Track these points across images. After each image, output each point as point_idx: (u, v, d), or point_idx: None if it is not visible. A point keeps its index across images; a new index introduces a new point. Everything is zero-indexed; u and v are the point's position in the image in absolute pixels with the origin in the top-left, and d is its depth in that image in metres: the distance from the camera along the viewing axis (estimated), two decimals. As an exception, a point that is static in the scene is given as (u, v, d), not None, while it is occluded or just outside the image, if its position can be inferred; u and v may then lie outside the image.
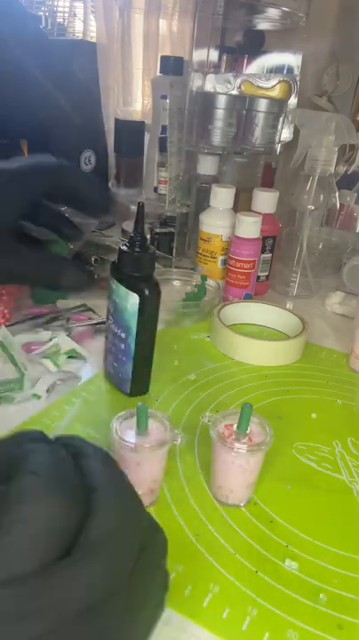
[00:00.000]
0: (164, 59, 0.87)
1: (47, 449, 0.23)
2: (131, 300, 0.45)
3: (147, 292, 0.44)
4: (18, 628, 0.18)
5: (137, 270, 0.45)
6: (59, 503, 0.21)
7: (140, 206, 0.44)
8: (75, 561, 0.20)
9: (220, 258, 0.74)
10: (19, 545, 0.19)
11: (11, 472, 0.22)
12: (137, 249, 0.44)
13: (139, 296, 0.44)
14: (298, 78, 0.79)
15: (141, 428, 0.36)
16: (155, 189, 0.90)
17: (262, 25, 0.85)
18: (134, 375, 0.48)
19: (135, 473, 0.35)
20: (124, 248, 0.45)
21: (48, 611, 0.19)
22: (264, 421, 0.38)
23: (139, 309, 0.45)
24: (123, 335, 0.46)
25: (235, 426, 0.37)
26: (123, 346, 0.47)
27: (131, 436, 0.36)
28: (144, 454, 0.35)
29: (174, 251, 0.82)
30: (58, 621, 0.19)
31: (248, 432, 0.37)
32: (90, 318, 0.63)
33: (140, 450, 0.35)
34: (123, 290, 0.45)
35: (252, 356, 0.58)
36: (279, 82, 0.76)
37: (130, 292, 0.44)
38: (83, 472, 0.23)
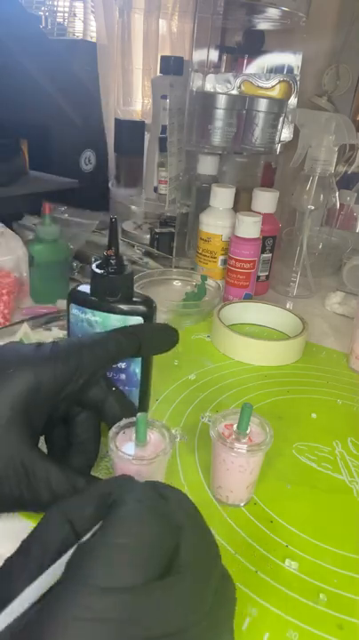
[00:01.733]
0: (164, 59, 0.87)
1: (143, 485, 0.26)
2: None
3: (148, 310, 0.41)
4: (113, 631, 0.19)
5: (127, 292, 0.40)
6: (160, 529, 0.23)
7: (113, 222, 0.38)
8: (170, 585, 0.21)
9: (220, 258, 0.74)
10: (126, 560, 0.21)
11: (113, 502, 0.24)
12: (113, 269, 0.39)
13: (144, 317, 0.40)
14: (298, 78, 0.79)
15: (140, 439, 0.34)
16: (155, 189, 0.90)
17: (262, 25, 0.85)
18: (142, 399, 0.44)
19: None
20: (102, 272, 0.39)
21: (141, 624, 0.20)
22: (264, 421, 0.38)
23: None
24: (122, 365, 0.42)
25: (235, 426, 0.37)
26: (123, 376, 0.43)
27: (129, 447, 0.35)
28: (143, 466, 0.34)
29: (174, 251, 0.82)
30: (146, 638, 0.20)
31: (248, 432, 0.37)
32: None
33: (139, 462, 0.34)
34: (116, 318, 0.40)
35: (252, 356, 0.58)
36: (279, 82, 0.76)
37: (130, 318, 0.40)
38: (169, 511, 0.25)
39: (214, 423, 0.37)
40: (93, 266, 0.40)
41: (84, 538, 0.24)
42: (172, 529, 0.24)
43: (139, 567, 0.21)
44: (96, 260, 0.40)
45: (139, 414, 0.34)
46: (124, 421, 0.36)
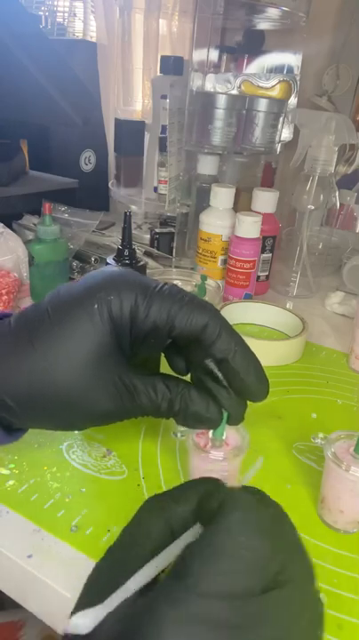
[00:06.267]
0: (164, 59, 0.87)
1: (248, 494, 0.26)
2: None
3: None
4: (225, 635, 0.20)
5: None
6: (269, 544, 0.23)
7: (127, 215, 0.38)
8: (282, 597, 0.22)
9: (220, 258, 0.74)
10: (243, 568, 0.22)
11: (220, 508, 0.24)
12: (127, 261, 0.39)
13: None
14: (298, 78, 0.79)
15: (218, 436, 0.35)
16: (155, 189, 0.90)
17: (262, 25, 0.85)
18: None
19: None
20: (116, 264, 0.39)
21: (254, 631, 0.20)
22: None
23: None
24: None
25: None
26: None
27: (207, 444, 0.35)
28: (219, 463, 0.35)
29: (174, 251, 0.82)
30: None
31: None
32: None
33: (216, 459, 0.34)
34: None
35: (252, 356, 0.58)
36: (279, 82, 0.76)
37: None
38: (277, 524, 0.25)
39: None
40: (109, 259, 0.41)
41: (184, 536, 0.25)
42: (282, 544, 0.24)
43: (253, 577, 0.22)
44: (96, 261, 0.41)
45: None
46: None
